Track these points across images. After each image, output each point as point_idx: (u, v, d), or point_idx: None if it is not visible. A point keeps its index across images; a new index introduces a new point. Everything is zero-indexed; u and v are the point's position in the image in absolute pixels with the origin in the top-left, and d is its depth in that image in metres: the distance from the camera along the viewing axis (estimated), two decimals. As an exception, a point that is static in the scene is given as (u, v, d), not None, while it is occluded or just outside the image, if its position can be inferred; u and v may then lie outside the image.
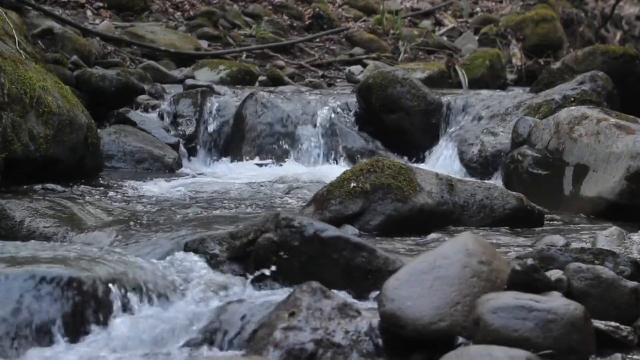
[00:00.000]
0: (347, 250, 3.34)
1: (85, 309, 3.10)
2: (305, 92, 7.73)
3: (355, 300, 3.17)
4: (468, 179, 5.44)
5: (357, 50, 9.75)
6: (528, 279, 2.99)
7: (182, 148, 6.98)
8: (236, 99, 7.32)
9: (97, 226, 4.40)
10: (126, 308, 3.19)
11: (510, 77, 9.34)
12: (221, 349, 3.02)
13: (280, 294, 3.26)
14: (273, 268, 3.38)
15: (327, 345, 2.82)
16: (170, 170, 6.48)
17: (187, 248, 3.67)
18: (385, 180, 4.43)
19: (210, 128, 7.13)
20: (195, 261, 3.57)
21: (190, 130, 7.12)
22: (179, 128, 7.11)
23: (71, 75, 7.25)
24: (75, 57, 7.65)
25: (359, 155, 6.84)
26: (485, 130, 6.70)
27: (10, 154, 5.40)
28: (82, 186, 5.54)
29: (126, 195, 5.35)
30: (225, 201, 5.23)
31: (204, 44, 9.20)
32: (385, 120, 7.11)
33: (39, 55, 6.77)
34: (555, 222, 4.88)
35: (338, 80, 9.00)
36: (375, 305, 3.05)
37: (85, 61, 7.73)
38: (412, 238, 4.29)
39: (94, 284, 3.15)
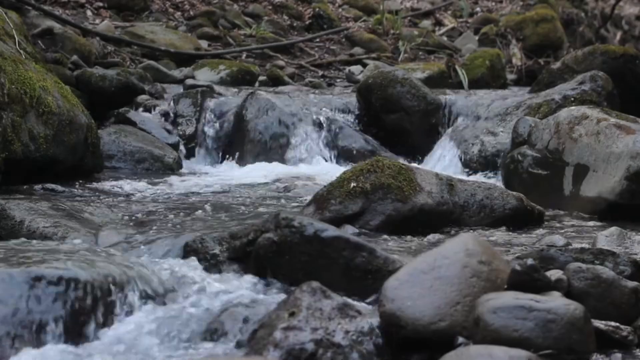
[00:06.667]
0: (347, 250, 3.34)
1: (85, 310, 3.10)
2: (305, 92, 7.72)
3: (355, 300, 3.17)
4: (468, 178, 5.44)
5: (357, 50, 9.75)
6: (528, 279, 2.99)
7: (182, 148, 6.98)
8: (236, 99, 7.32)
9: (97, 226, 4.40)
10: (126, 308, 3.19)
11: (510, 77, 9.33)
12: (221, 349, 3.02)
13: (280, 294, 3.27)
14: (273, 268, 3.38)
15: (327, 345, 2.82)
16: (171, 170, 6.48)
17: (187, 248, 3.67)
18: (385, 180, 4.43)
19: (211, 128, 7.12)
20: (195, 261, 3.57)
21: (190, 130, 7.11)
22: (179, 128, 7.10)
23: (71, 75, 7.24)
24: (75, 57, 7.64)
25: (359, 155, 6.83)
26: (485, 130, 6.70)
27: (10, 154, 5.40)
28: (82, 186, 5.54)
29: (126, 195, 5.35)
30: (226, 201, 5.23)
31: (204, 44, 9.19)
32: (385, 120, 7.11)
33: (39, 55, 6.77)
34: (555, 222, 4.88)
35: (338, 80, 8.99)
36: (375, 305, 3.05)
37: (85, 61, 7.73)
38: (412, 238, 4.29)
39: (94, 284, 3.15)
